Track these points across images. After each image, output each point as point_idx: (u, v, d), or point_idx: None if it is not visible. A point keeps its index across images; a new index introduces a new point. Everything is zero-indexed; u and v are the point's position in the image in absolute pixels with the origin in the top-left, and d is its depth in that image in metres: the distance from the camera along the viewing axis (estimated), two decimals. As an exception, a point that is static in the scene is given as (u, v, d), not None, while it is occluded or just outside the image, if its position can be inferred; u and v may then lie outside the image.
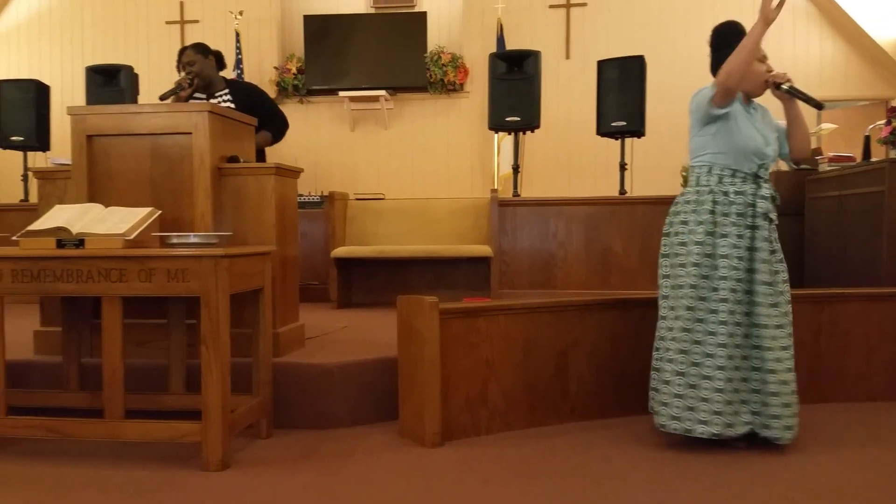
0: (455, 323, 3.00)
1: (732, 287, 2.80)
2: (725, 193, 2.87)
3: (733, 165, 2.88)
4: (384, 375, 3.25)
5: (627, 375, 3.34)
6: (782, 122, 3.06)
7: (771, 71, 2.93)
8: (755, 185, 2.88)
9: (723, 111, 2.84)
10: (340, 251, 5.23)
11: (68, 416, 2.78)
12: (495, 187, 6.27)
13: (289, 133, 4.67)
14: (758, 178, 2.90)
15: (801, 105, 2.97)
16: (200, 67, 4.16)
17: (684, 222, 2.93)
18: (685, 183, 5.26)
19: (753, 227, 2.85)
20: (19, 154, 6.58)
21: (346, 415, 3.21)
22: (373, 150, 8.03)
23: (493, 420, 3.10)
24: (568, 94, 7.66)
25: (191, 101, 4.14)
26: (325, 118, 8.07)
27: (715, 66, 3.00)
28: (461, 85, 7.88)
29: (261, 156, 4.40)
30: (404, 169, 7.97)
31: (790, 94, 2.92)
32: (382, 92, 7.73)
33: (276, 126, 4.48)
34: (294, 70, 7.96)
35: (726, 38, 2.96)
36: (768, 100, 2.97)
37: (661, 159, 7.06)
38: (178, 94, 4.07)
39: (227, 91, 4.29)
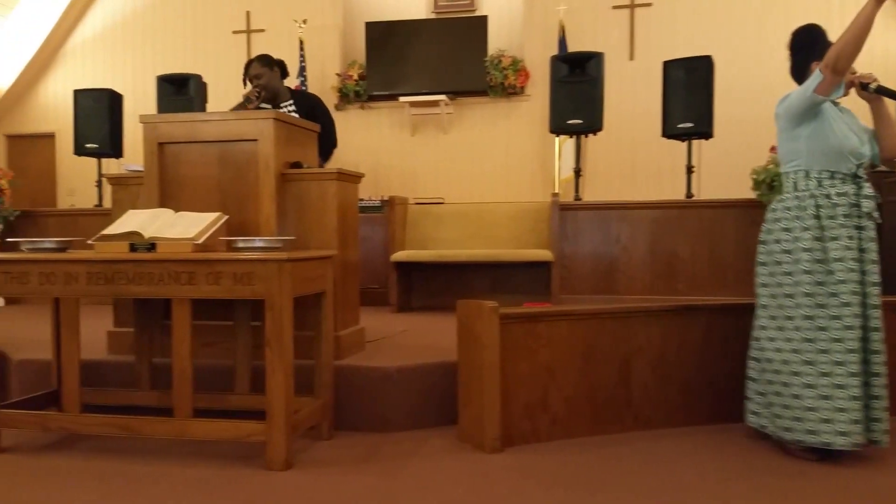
0: (515, 328, 2.98)
1: (853, 290, 2.69)
2: (827, 196, 2.76)
3: (831, 167, 2.77)
4: (444, 379, 3.25)
5: (694, 384, 3.25)
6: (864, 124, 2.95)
7: (855, 72, 2.82)
8: (856, 186, 2.77)
9: (826, 99, 2.72)
10: (400, 255, 5.26)
11: (140, 414, 2.87)
12: (556, 191, 6.20)
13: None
14: (857, 178, 2.79)
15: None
16: (267, 80, 4.23)
17: (787, 229, 2.83)
18: (756, 186, 5.12)
19: (860, 228, 2.75)
20: (94, 161, 6.85)
21: (406, 418, 3.22)
22: (432, 154, 8.07)
23: (553, 427, 3.06)
24: (632, 95, 7.52)
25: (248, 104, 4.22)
26: (386, 123, 8.15)
27: (795, 70, 2.91)
28: (522, 88, 7.84)
29: None
30: (464, 173, 7.97)
31: (879, 94, 2.81)
32: (442, 97, 7.75)
33: (322, 144, 4.42)
34: (356, 76, 8.06)
35: (806, 41, 2.87)
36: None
37: (729, 162, 6.86)
38: (246, 107, 4.14)
39: (291, 102, 4.37)
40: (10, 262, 2.83)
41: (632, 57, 7.70)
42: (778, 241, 2.85)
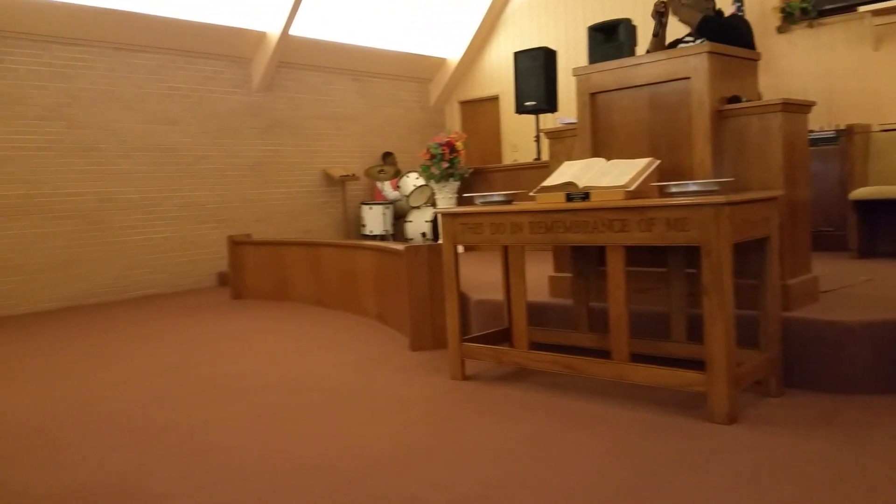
0: None
1: None
2: None
3: None
4: (924, 341, 2.70)
5: None
6: None
7: None
8: None
9: None
10: (862, 192, 4.54)
11: (579, 355, 3.01)
12: None
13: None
14: None
15: None
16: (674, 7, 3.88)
17: None
18: None
19: None
20: (532, 117, 7.36)
21: (872, 380, 2.77)
22: (903, 70, 6.73)
23: None
24: None
25: (681, 44, 3.95)
26: (840, 40, 7.04)
27: None
28: None
29: None
30: (948, 88, 6.49)
31: None
32: (917, -3, 6.37)
33: None
34: (801, -9, 7.12)
35: None
36: None
37: None
38: (660, 25, 3.85)
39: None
40: (467, 214, 3.19)
41: None
42: None
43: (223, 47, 7.73)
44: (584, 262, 3.41)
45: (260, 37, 7.89)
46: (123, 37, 6.96)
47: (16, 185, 6.35)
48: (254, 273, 6.54)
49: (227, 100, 7.87)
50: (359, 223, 8.58)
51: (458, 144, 7.27)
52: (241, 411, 3.01)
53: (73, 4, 6.50)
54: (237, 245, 6.66)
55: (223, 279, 7.46)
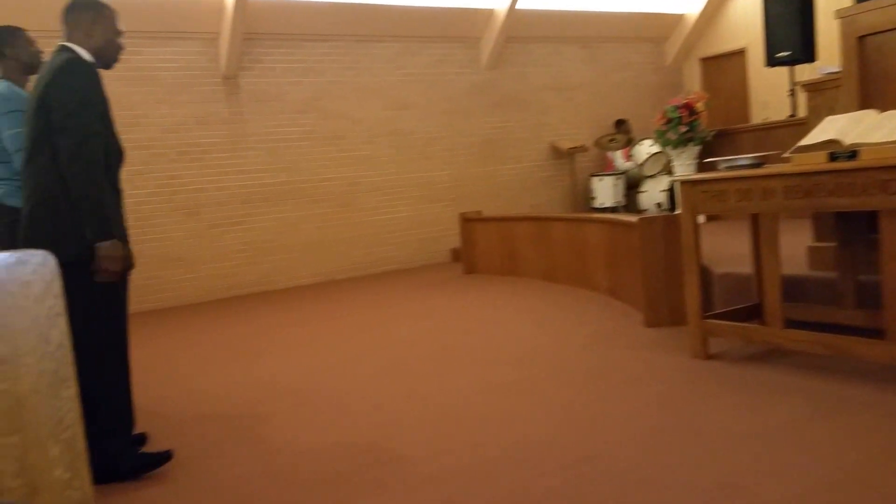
0: None
1: None
2: None
3: None
4: None
5: None
6: None
7: None
8: None
9: None
10: None
11: (844, 334, 2.66)
12: None
13: None
14: None
15: None
16: None
17: None
18: None
19: None
20: (785, 70, 6.65)
21: None
22: None
23: None
24: None
25: None
26: None
27: None
28: None
29: None
30: None
31: None
32: None
33: None
34: None
35: None
36: None
37: None
38: None
39: None
40: (709, 181, 2.95)
41: None
42: None
43: (454, 29, 7.94)
44: (851, 229, 3.01)
45: (488, 14, 7.98)
46: (364, 28, 7.43)
47: (279, 173, 7.09)
48: (484, 249, 6.69)
49: (457, 80, 8.09)
50: (588, 196, 8.41)
51: (699, 105, 6.79)
52: (475, 383, 3.09)
53: (319, 2, 7.05)
54: (468, 222, 6.85)
55: (456, 255, 7.73)
